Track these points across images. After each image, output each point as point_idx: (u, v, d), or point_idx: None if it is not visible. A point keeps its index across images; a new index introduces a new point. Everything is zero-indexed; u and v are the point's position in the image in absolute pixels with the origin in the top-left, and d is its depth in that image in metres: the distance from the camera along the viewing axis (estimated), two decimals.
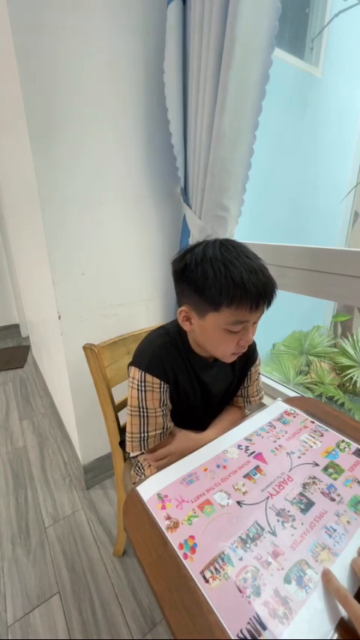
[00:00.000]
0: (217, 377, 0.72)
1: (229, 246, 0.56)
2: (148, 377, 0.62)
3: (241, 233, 1.05)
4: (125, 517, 0.49)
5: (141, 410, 0.63)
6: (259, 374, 0.80)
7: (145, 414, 0.63)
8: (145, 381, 0.62)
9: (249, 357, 0.74)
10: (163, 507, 0.48)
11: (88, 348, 0.79)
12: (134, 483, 0.73)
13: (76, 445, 1.30)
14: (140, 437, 0.63)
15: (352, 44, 2.22)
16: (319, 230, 2.51)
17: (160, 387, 0.63)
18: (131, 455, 0.79)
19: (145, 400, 0.62)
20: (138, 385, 0.62)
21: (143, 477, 0.73)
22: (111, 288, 1.12)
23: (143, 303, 1.20)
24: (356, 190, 2.54)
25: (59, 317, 1.03)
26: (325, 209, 2.50)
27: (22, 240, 1.59)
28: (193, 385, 0.68)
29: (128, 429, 0.65)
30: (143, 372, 0.62)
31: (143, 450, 0.64)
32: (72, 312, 1.05)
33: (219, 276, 0.51)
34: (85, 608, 0.90)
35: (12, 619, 0.88)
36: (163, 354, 0.64)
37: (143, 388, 0.62)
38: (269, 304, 0.56)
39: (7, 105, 1.01)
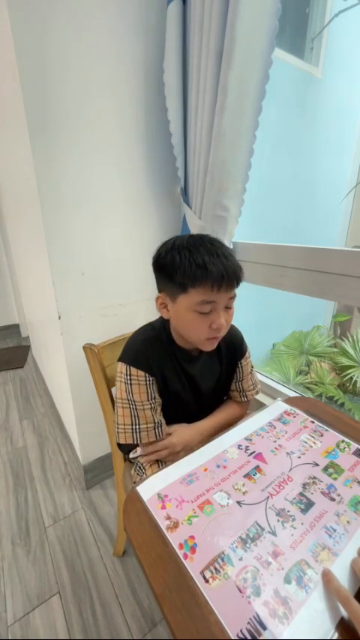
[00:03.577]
0: (204, 370, 0.73)
1: (196, 236, 0.61)
2: (133, 370, 0.64)
3: (241, 233, 1.05)
4: (125, 517, 0.49)
5: (130, 402, 0.65)
6: (252, 367, 0.80)
7: (134, 407, 0.65)
8: (130, 375, 0.64)
9: (236, 349, 0.76)
10: (163, 507, 0.48)
11: (88, 348, 0.79)
12: (134, 483, 0.73)
13: (76, 445, 1.30)
14: (132, 429, 0.65)
15: (352, 44, 2.22)
16: (318, 230, 2.51)
17: (146, 380, 0.65)
18: (131, 456, 0.79)
19: (132, 393, 0.64)
20: (124, 379, 0.65)
21: (144, 476, 0.73)
22: (111, 288, 1.12)
23: (143, 303, 1.20)
24: (356, 190, 2.54)
25: (59, 317, 1.03)
26: (325, 209, 2.49)
27: (22, 240, 1.59)
28: (180, 378, 0.70)
29: (119, 420, 0.66)
30: (128, 366, 0.64)
31: (136, 442, 0.66)
32: (72, 312, 1.05)
33: (184, 260, 0.56)
34: (85, 608, 0.90)
35: (12, 619, 0.88)
36: (148, 348, 0.66)
37: (129, 381, 0.64)
38: (233, 285, 0.59)
39: (6, 104, 1.01)
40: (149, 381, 0.65)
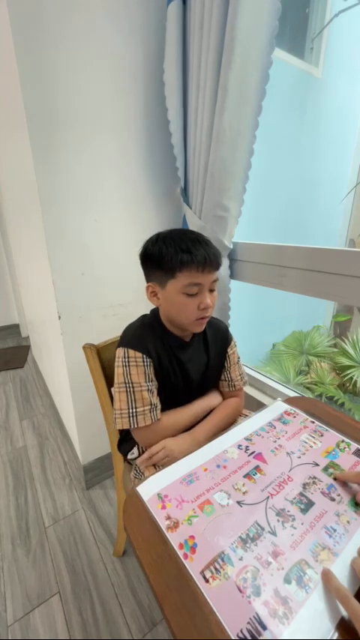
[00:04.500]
0: (194, 356, 0.75)
1: (178, 229, 0.68)
2: (131, 352, 0.67)
3: (241, 233, 1.05)
4: (125, 517, 0.49)
5: (127, 385, 0.66)
6: (239, 358, 0.84)
7: (132, 389, 0.66)
8: (128, 357, 0.67)
9: (222, 338, 0.80)
10: (163, 507, 0.48)
11: (88, 348, 0.79)
12: (134, 483, 0.73)
13: (76, 445, 1.30)
14: (129, 412, 0.66)
15: (352, 44, 2.22)
16: (319, 230, 2.51)
17: (144, 361, 0.67)
18: (129, 457, 0.79)
19: (130, 375, 0.66)
20: (122, 362, 0.67)
21: (142, 477, 0.73)
22: (111, 288, 1.12)
23: (143, 303, 1.20)
24: (356, 190, 2.54)
25: (59, 317, 1.03)
26: (326, 209, 2.49)
27: (23, 240, 1.59)
28: (172, 363, 0.71)
29: (117, 405, 0.67)
30: (126, 349, 0.67)
31: (133, 426, 0.66)
32: (72, 312, 1.05)
33: (170, 248, 0.62)
34: (85, 608, 0.90)
35: (12, 619, 0.88)
36: (144, 332, 0.70)
37: (127, 363, 0.67)
38: (216, 267, 0.65)
39: (7, 105, 1.01)
40: (147, 362, 0.67)
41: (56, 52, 0.84)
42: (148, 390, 0.67)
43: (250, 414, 0.72)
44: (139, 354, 0.67)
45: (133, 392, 0.66)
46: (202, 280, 0.63)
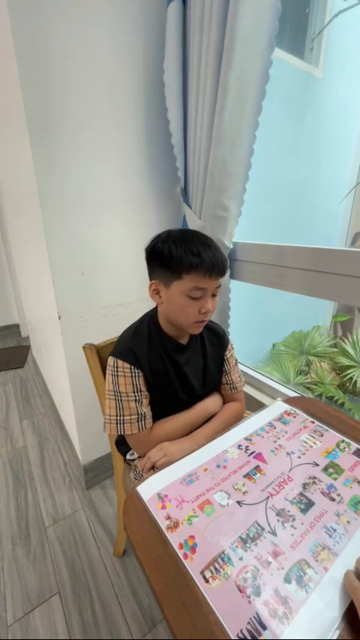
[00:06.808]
0: (191, 359, 0.75)
1: (188, 230, 0.69)
2: (119, 362, 0.68)
3: (241, 233, 1.05)
4: (125, 517, 0.49)
5: (116, 394, 0.67)
6: (236, 360, 0.85)
7: (119, 398, 0.67)
8: (117, 367, 0.68)
9: (219, 342, 0.81)
10: (163, 507, 0.48)
11: (88, 348, 0.79)
12: (134, 483, 0.73)
13: (76, 445, 1.30)
14: (117, 419, 0.67)
15: (352, 44, 2.22)
16: (319, 230, 2.51)
17: (132, 372, 0.68)
18: (128, 457, 0.79)
19: (118, 385, 0.67)
20: (112, 371, 0.68)
21: (142, 477, 0.73)
22: (111, 288, 1.12)
23: (143, 303, 1.20)
24: (356, 190, 2.54)
25: (59, 317, 1.03)
26: (326, 209, 2.49)
27: (22, 240, 1.59)
28: (167, 366, 0.72)
29: (106, 411, 0.69)
30: (115, 359, 0.68)
31: (120, 433, 0.68)
32: (72, 312, 1.05)
33: (180, 249, 0.62)
34: (85, 608, 0.90)
35: (12, 619, 0.88)
36: (135, 340, 0.70)
37: (116, 373, 0.68)
38: (222, 274, 0.65)
39: (7, 105, 1.01)
40: (135, 373, 0.68)
41: (56, 53, 0.84)
42: (136, 400, 0.68)
43: (250, 414, 0.73)
44: (127, 365, 0.67)
45: (121, 401, 0.67)
46: (207, 285, 0.63)
